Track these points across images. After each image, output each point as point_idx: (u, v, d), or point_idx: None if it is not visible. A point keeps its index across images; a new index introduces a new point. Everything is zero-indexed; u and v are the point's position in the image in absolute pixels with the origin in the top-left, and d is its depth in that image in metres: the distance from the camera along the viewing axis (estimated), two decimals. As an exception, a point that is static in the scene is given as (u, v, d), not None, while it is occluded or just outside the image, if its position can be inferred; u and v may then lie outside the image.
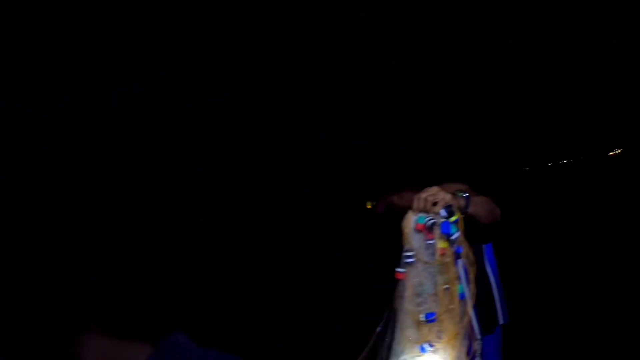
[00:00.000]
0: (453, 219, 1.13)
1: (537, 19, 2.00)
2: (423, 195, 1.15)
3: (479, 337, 1.42)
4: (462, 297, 1.17)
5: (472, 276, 1.15)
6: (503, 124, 3.34)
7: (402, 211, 1.97)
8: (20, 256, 2.60)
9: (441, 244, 1.14)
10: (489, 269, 1.62)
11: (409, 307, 1.20)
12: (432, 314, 1.15)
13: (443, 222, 1.13)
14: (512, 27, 2.06)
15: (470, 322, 1.20)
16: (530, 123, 3.29)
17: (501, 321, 1.65)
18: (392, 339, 1.30)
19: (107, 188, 2.92)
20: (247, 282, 3.48)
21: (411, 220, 1.20)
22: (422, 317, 1.17)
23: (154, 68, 2.43)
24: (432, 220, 1.14)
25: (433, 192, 1.14)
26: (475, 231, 1.23)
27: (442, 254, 1.14)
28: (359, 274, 3.83)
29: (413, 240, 1.19)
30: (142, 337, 2.92)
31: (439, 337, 1.16)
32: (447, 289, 1.15)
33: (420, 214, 1.17)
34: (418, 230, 1.18)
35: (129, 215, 3.03)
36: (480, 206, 1.26)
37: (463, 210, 1.17)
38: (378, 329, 2.17)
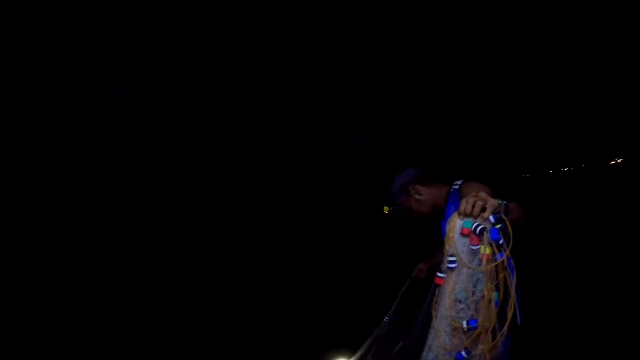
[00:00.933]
0: (499, 225, 1.09)
1: (537, 19, 2.00)
2: (471, 200, 1.11)
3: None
4: (496, 304, 1.13)
5: (514, 285, 1.11)
6: (503, 124, 3.34)
7: (419, 217, 1.98)
8: (20, 256, 2.60)
9: (488, 250, 1.10)
10: (509, 271, 1.64)
11: (448, 313, 1.15)
12: (474, 321, 1.12)
13: (492, 229, 1.09)
14: (512, 27, 2.05)
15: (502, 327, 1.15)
16: (530, 123, 3.29)
17: (519, 322, 1.66)
18: (419, 345, 1.26)
19: (107, 188, 2.92)
20: (247, 282, 3.48)
21: (457, 224, 1.15)
22: (463, 324, 1.13)
23: (154, 68, 2.42)
24: (482, 226, 1.10)
25: (483, 197, 1.10)
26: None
27: (489, 260, 1.10)
28: (359, 274, 3.83)
29: (457, 244, 1.14)
30: (142, 337, 2.93)
31: (476, 346, 1.13)
32: (487, 296, 1.12)
33: (467, 219, 1.12)
34: (464, 235, 1.13)
35: (129, 215, 3.03)
36: (515, 212, 1.23)
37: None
38: (385, 318, 2.19)
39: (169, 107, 2.78)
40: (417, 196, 1.94)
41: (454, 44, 2.21)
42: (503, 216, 1.09)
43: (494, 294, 1.11)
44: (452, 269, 1.15)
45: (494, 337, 1.14)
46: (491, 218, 1.09)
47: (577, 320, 3.26)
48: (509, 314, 1.11)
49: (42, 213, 2.69)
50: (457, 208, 1.74)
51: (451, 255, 1.15)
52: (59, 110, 2.57)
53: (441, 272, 1.19)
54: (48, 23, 2.02)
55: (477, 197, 1.10)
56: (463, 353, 1.14)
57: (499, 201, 1.14)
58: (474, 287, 1.12)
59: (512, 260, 1.64)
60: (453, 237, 1.14)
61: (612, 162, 3.98)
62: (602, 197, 4.14)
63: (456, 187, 1.80)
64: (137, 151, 2.97)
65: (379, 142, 3.65)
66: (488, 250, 1.09)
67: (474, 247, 1.11)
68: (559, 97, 2.78)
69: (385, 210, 2.10)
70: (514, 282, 1.65)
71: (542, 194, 4.36)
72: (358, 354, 2.09)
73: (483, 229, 1.09)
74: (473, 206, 1.10)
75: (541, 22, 2.01)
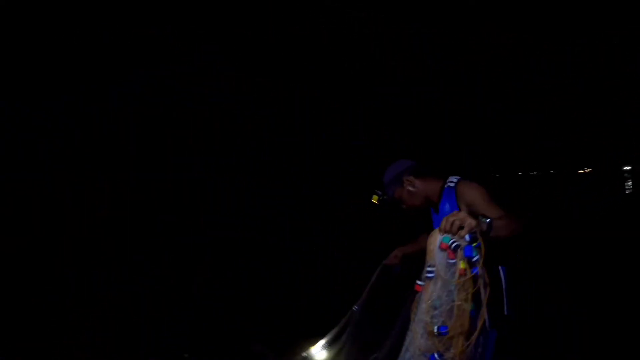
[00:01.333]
0: (475, 243, 1.21)
1: (537, 19, 2.00)
2: (451, 218, 1.23)
3: (488, 329, 1.51)
4: (472, 314, 1.24)
5: (485, 298, 1.21)
6: (503, 124, 3.35)
7: (408, 209, 1.97)
8: (20, 256, 2.60)
9: (462, 265, 1.22)
10: (500, 269, 1.69)
11: (424, 318, 1.29)
12: (444, 327, 1.24)
13: (466, 246, 1.22)
14: (512, 27, 2.05)
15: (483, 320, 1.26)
16: (530, 123, 3.29)
17: (506, 312, 1.67)
18: (398, 344, 1.39)
19: (107, 188, 2.92)
20: (247, 282, 3.48)
21: (437, 238, 1.28)
22: (435, 329, 1.25)
23: (154, 68, 2.43)
24: (456, 243, 1.23)
25: (461, 217, 1.23)
26: (495, 254, 1.30)
27: (462, 274, 1.22)
28: (359, 274, 3.83)
29: (436, 257, 1.28)
30: (142, 337, 2.92)
31: (448, 349, 1.25)
32: (459, 306, 1.23)
33: (446, 235, 1.25)
34: (442, 249, 1.26)
35: (129, 215, 3.03)
36: (501, 230, 1.33)
37: (485, 235, 1.25)
38: (354, 307, 2.27)
39: (169, 107, 2.78)
40: (410, 188, 1.92)
41: (454, 44, 2.21)
42: (478, 235, 1.22)
43: (468, 305, 1.23)
44: (430, 278, 1.29)
45: (472, 347, 1.27)
46: (467, 237, 1.21)
47: (577, 320, 3.26)
48: (479, 324, 1.24)
49: (42, 213, 2.69)
50: (452, 205, 1.76)
51: (430, 266, 1.29)
52: (59, 110, 2.57)
53: (420, 280, 1.33)
54: (48, 23, 2.02)
55: (456, 217, 1.23)
56: (436, 355, 1.26)
57: (483, 219, 1.28)
58: (447, 296, 1.25)
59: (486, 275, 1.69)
60: (433, 250, 1.28)
61: (581, 171, 4.04)
62: (602, 197, 4.14)
63: (451, 184, 1.79)
64: (137, 151, 2.97)
65: (379, 142, 3.65)
66: (462, 265, 1.22)
67: (450, 261, 1.25)
68: (559, 97, 2.78)
69: (374, 199, 2.08)
70: (505, 292, 1.70)
71: (542, 194, 4.36)
72: (324, 341, 2.16)
73: (457, 246, 1.23)
74: (452, 224, 1.22)
75: (541, 22, 2.01)
